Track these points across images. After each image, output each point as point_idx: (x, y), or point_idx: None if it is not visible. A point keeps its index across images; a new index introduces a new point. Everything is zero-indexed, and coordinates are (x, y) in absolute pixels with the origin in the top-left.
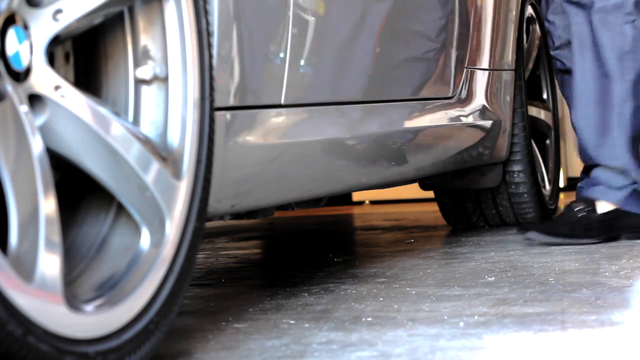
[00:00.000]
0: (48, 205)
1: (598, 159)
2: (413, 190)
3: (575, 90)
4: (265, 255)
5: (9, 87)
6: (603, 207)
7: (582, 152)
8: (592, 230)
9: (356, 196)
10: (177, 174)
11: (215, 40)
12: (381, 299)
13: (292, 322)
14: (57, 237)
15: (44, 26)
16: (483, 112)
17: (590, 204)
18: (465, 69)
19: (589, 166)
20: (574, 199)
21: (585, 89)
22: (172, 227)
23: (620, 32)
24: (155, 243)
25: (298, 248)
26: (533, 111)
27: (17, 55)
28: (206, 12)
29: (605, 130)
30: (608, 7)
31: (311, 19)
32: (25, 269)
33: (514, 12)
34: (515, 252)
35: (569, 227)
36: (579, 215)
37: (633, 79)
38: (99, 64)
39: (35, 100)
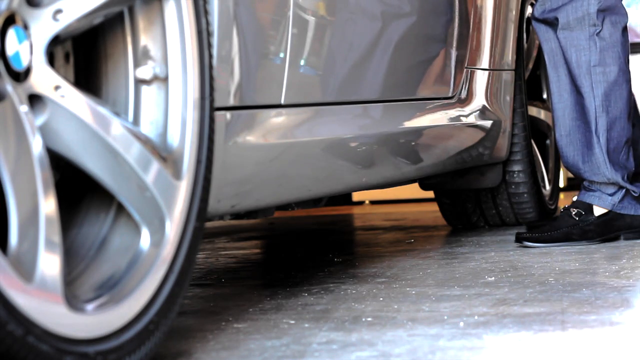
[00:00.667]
0: (48, 205)
1: (584, 175)
2: (413, 190)
3: (554, 108)
4: (265, 255)
5: (9, 87)
6: (599, 210)
7: (568, 168)
8: (589, 232)
9: (356, 196)
10: (177, 174)
11: (215, 40)
12: (381, 299)
13: (292, 322)
14: (57, 237)
15: (44, 26)
16: (483, 112)
17: (587, 207)
18: (465, 69)
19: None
20: (574, 198)
21: (562, 106)
22: (172, 227)
23: (587, 46)
24: (155, 243)
25: (298, 248)
26: (533, 111)
27: (17, 55)
28: (206, 12)
29: (585, 147)
30: (571, 23)
31: (311, 19)
32: (25, 269)
33: (514, 12)
34: (515, 252)
35: (564, 233)
36: (577, 219)
37: (604, 92)
38: (99, 64)
39: (35, 100)
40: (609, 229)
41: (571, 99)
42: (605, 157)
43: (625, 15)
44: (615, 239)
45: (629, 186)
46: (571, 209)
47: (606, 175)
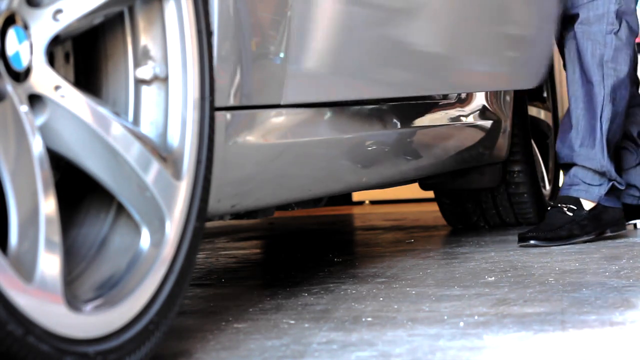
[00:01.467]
0: (48, 205)
1: (575, 159)
2: (413, 190)
3: (569, 96)
4: (265, 255)
5: (9, 87)
6: (586, 204)
7: (558, 152)
8: (587, 227)
9: (356, 196)
10: (177, 174)
11: (215, 40)
12: (381, 299)
13: (292, 322)
14: (57, 237)
15: (44, 26)
16: (483, 112)
17: (576, 202)
18: None
19: (566, 165)
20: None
21: (574, 94)
22: (172, 227)
23: (602, 42)
24: (155, 243)
25: (298, 248)
26: (533, 111)
27: (17, 55)
28: (206, 12)
29: (587, 132)
30: (590, 19)
31: (311, 19)
32: (25, 269)
33: None
34: (515, 252)
35: (567, 230)
36: (571, 215)
37: (612, 85)
38: (99, 64)
39: (35, 100)
40: (600, 223)
41: (582, 90)
42: (604, 145)
43: (637, 26)
44: (603, 232)
45: (618, 178)
46: (561, 205)
47: (601, 162)
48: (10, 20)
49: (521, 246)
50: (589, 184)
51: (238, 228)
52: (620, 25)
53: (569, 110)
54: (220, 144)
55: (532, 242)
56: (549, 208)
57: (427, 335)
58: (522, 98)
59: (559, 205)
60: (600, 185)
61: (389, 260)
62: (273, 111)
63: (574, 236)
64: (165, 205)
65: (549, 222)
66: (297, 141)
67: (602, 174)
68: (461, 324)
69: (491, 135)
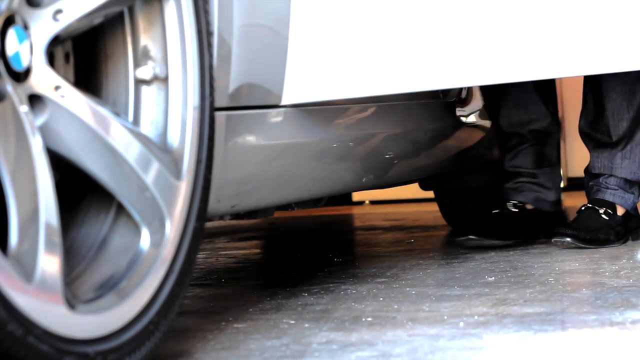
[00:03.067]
0: (48, 205)
1: (614, 171)
2: (413, 190)
3: (602, 99)
4: (265, 255)
5: (9, 87)
6: (619, 210)
7: (596, 163)
8: (619, 233)
9: (356, 196)
10: (177, 174)
11: (215, 40)
12: (381, 299)
13: (292, 322)
14: (57, 237)
15: (44, 26)
16: (483, 112)
17: (612, 207)
18: None
19: (597, 174)
20: (573, 198)
21: (615, 99)
22: (172, 227)
23: None
24: (155, 243)
25: (298, 248)
26: None
27: (17, 55)
28: (206, 12)
29: (631, 144)
30: None
31: (312, 18)
32: (25, 269)
33: None
34: (515, 252)
35: (605, 234)
36: (607, 219)
37: None
38: (99, 64)
39: (35, 100)
40: (627, 230)
41: (628, 93)
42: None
43: None
44: (627, 240)
45: None
46: (597, 208)
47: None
48: (10, 20)
49: (555, 241)
50: (625, 191)
51: (238, 228)
52: None
53: (593, 113)
54: (220, 144)
55: (568, 239)
56: (582, 208)
57: (427, 335)
58: None
59: (595, 207)
60: (632, 193)
61: (389, 260)
62: (273, 111)
63: (610, 241)
64: (165, 206)
65: (585, 223)
66: (297, 141)
67: (633, 182)
68: (461, 324)
69: (491, 135)
